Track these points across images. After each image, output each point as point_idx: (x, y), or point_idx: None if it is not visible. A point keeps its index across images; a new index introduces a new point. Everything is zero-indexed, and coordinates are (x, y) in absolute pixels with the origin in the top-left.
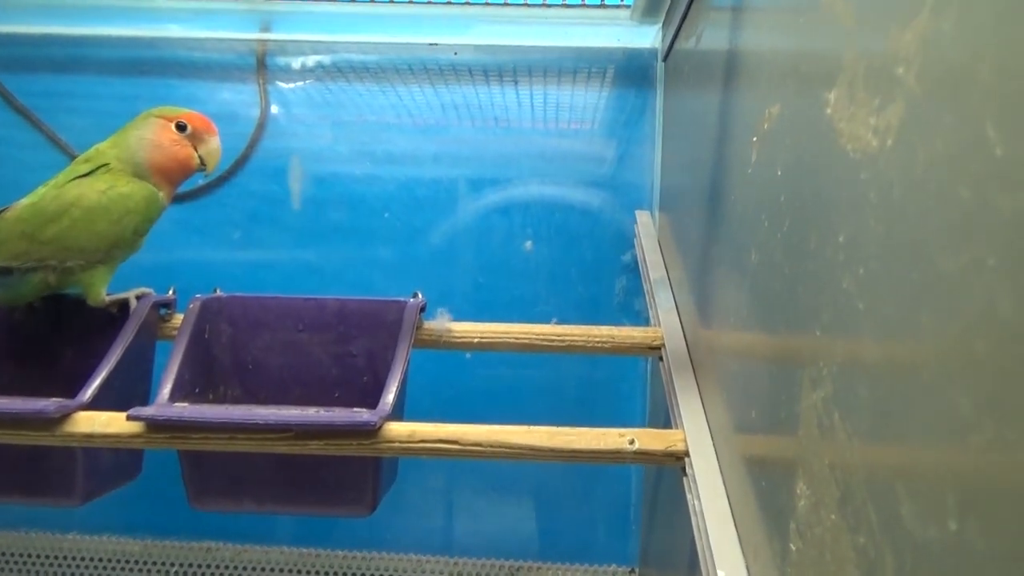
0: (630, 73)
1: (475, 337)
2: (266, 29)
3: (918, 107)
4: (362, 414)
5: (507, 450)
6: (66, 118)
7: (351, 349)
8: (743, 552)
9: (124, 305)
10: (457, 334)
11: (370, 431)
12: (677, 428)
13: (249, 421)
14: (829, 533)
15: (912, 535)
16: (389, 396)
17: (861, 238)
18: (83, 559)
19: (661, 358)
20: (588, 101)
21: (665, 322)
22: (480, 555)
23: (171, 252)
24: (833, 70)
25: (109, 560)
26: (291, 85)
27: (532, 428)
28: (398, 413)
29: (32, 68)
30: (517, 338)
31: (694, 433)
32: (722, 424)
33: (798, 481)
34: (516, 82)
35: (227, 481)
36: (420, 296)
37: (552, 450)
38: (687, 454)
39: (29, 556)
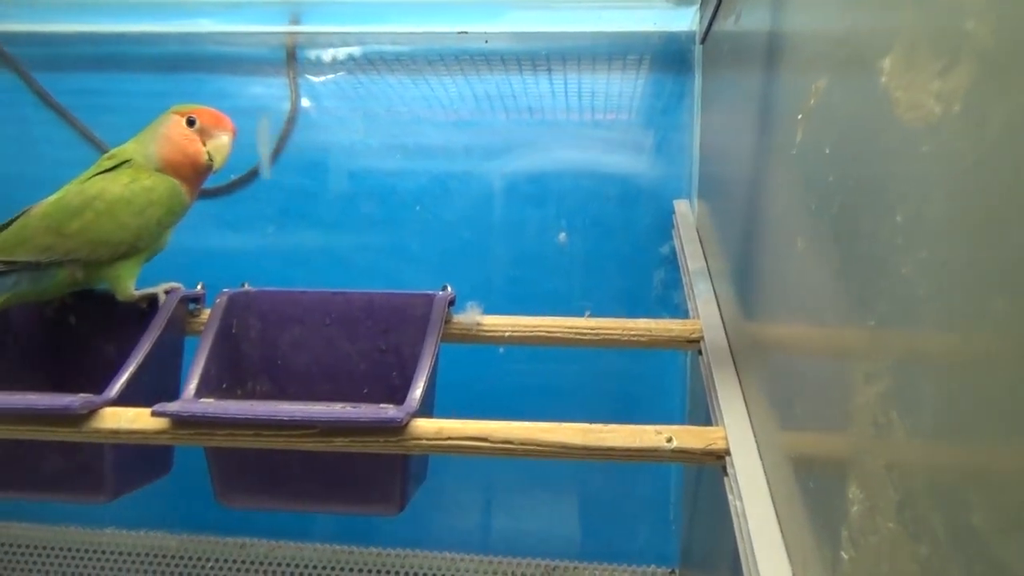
0: (667, 57)
1: (506, 331)
2: (296, 21)
3: (992, 65)
4: (388, 410)
5: (538, 448)
6: (100, 115)
7: (379, 344)
8: (789, 559)
9: (153, 300)
10: (487, 328)
11: (396, 428)
12: (717, 425)
13: (273, 417)
14: (886, 542)
15: (987, 548)
16: (416, 392)
17: (923, 218)
18: (120, 553)
19: (700, 352)
20: (624, 88)
21: (704, 314)
22: (516, 554)
23: (204, 248)
24: (888, 34)
25: (146, 555)
26: (321, 78)
27: (564, 425)
28: (427, 410)
29: (66, 66)
30: (549, 332)
31: (735, 430)
32: (765, 421)
33: (850, 484)
34: (549, 70)
35: (253, 478)
36: (449, 289)
37: (585, 448)
38: (728, 452)
39: (67, 550)
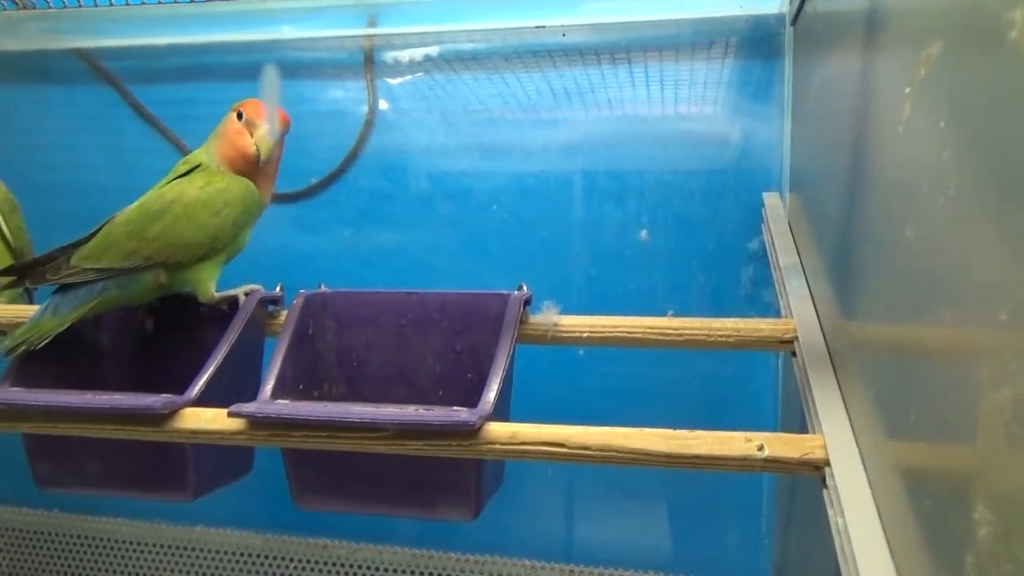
0: (755, 42)
1: (584, 331)
2: (372, 24)
3: None
4: (460, 413)
5: (618, 455)
6: (188, 125)
7: (454, 345)
8: None
9: (234, 302)
10: (565, 328)
11: (469, 431)
12: (815, 433)
13: (345, 419)
14: None
15: None
16: (490, 395)
17: None
18: (208, 551)
19: (794, 353)
20: (709, 76)
21: (798, 313)
22: (598, 563)
23: (283, 251)
24: None
25: (232, 552)
26: (398, 79)
27: (645, 431)
28: (502, 413)
29: (158, 78)
30: (630, 332)
31: (835, 438)
32: (870, 429)
33: (977, 503)
34: (629, 61)
35: (328, 481)
36: (525, 288)
37: (668, 456)
38: (827, 463)
39: (160, 546)
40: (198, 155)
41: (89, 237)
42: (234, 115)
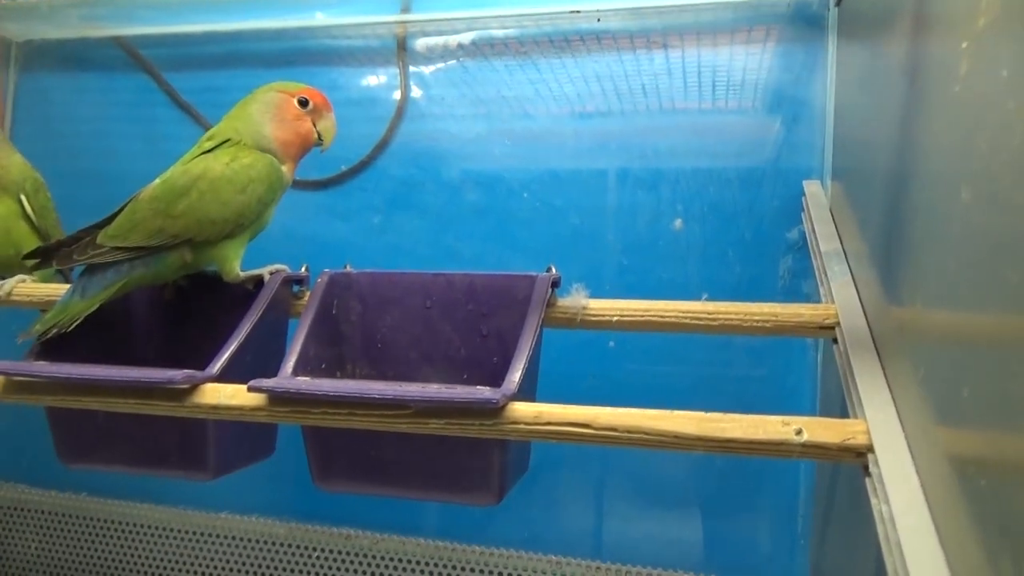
0: (797, 25)
1: (614, 315)
2: (406, 10)
3: None
4: (484, 391)
5: (646, 436)
6: (222, 111)
7: (481, 328)
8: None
9: (260, 281)
10: (594, 312)
11: (492, 410)
12: (857, 418)
13: (365, 395)
14: None
15: None
16: (515, 374)
17: None
18: (232, 537)
19: (835, 340)
20: (748, 61)
21: (840, 298)
22: (626, 561)
23: (313, 237)
24: None
25: (255, 540)
26: (431, 67)
27: (676, 413)
28: (527, 395)
29: (192, 65)
30: (662, 316)
31: (879, 423)
32: (917, 413)
33: None
34: (665, 46)
35: (349, 462)
36: (554, 270)
37: (700, 438)
38: (870, 448)
39: (185, 532)
40: (226, 130)
41: (114, 215)
42: (294, 101)
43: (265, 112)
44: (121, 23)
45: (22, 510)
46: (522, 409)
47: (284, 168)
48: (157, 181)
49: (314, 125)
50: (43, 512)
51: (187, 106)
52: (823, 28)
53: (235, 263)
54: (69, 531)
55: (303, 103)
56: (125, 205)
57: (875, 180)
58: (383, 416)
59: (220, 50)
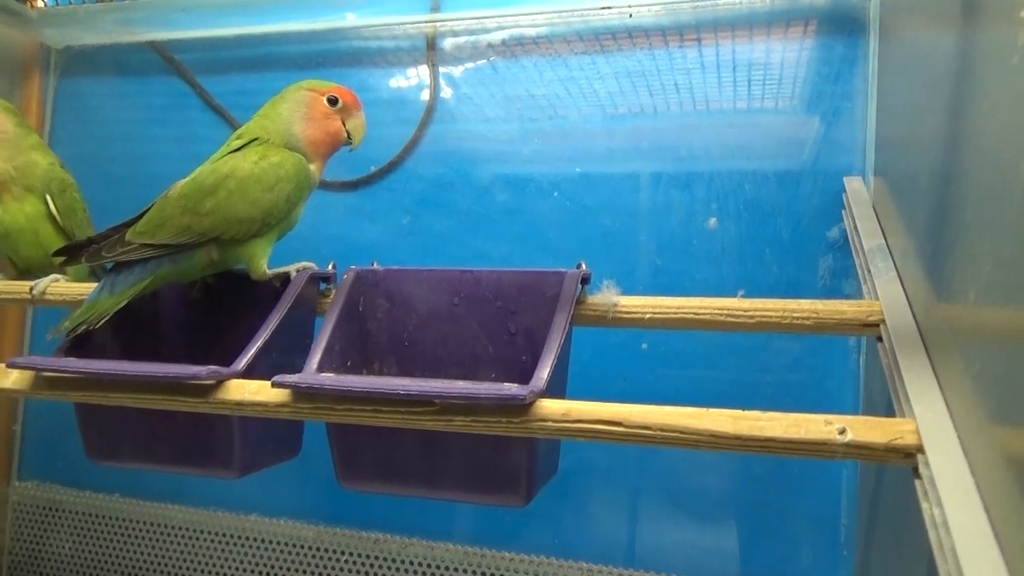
0: (837, 18)
1: (646, 312)
2: (436, 9)
3: None
4: (511, 388)
5: (681, 435)
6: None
7: (509, 326)
8: None
9: (286, 279)
10: (625, 309)
11: (519, 407)
12: (905, 417)
13: (391, 391)
14: None
15: None
16: (543, 371)
17: None
18: (261, 540)
19: (880, 338)
20: (786, 56)
21: (885, 295)
22: (660, 569)
23: (343, 239)
24: None
25: (285, 543)
26: (460, 66)
27: (712, 411)
28: (556, 393)
29: (225, 68)
30: (696, 313)
31: (930, 423)
32: (971, 411)
33: None
34: (699, 41)
35: (374, 460)
36: (583, 266)
37: (737, 438)
38: (920, 449)
39: (214, 533)
40: (255, 129)
41: (143, 213)
42: (323, 99)
43: (295, 111)
44: (156, 28)
45: (56, 510)
46: (550, 406)
47: (312, 167)
48: (186, 179)
49: (343, 124)
50: (76, 512)
51: (220, 108)
52: (863, 20)
53: (262, 261)
54: (101, 531)
55: (333, 101)
56: (154, 203)
57: (923, 173)
58: (408, 413)
59: (252, 53)
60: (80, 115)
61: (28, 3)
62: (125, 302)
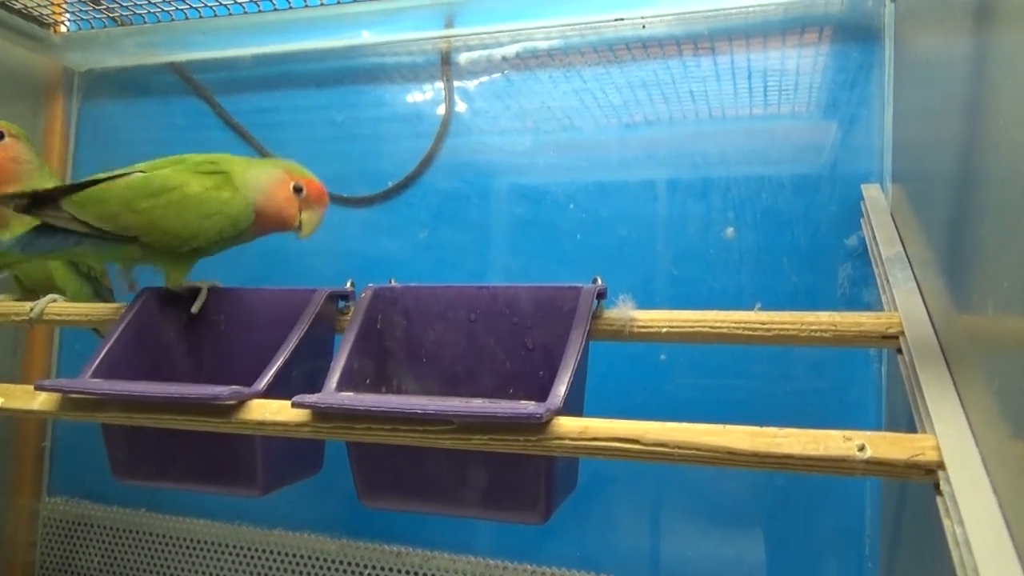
0: (852, 25)
1: (663, 326)
2: (450, 24)
3: None
4: (528, 406)
5: (698, 452)
6: (272, 132)
7: (526, 341)
8: None
9: (195, 292)
10: (641, 323)
11: (536, 425)
12: (925, 433)
13: (408, 410)
14: None
15: None
16: (560, 388)
17: None
18: (284, 553)
19: (900, 350)
20: (801, 64)
21: (904, 306)
22: None
23: (360, 254)
24: None
25: (308, 556)
26: (475, 80)
27: (730, 427)
28: (574, 409)
29: (244, 88)
30: (713, 327)
31: (951, 439)
32: (993, 427)
33: None
34: (713, 50)
35: (393, 478)
36: (599, 281)
37: (755, 455)
38: (941, 465)
39: (238, 547)
40: (233, 166)
41: (88, 183)
42: (291, 183)
43: (265, 181)
44: (176, 49)
45: (85, 525)
46: (567, 424)
47: (252, 228)
48: (142, 169)
49: (299, 212)
50: (104, 527)
51: (238, 127)
52: (879, 26)
53: (179, 275)
54: (129, 546)
55: (298, 190)
56: (112, 176)
57: (941, 181)
58: (426, 432)
59: (269, 72)
60: (103, 136)
61: (51, 28)
62: (29, 261)
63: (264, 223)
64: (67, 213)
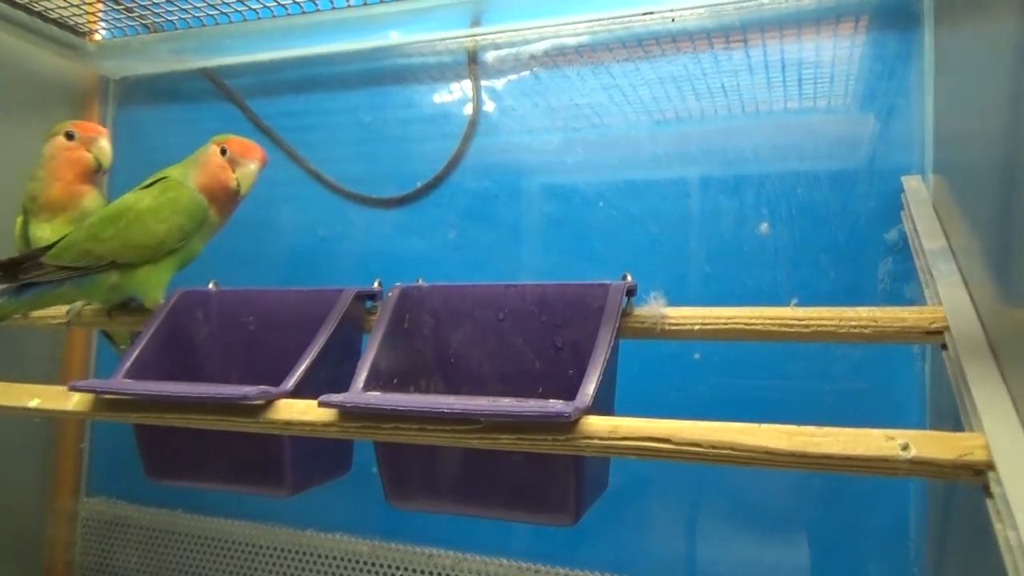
0: (889, 13)
1: (695, 324)
2: (476, 23)
3: None
4: (556, 405)
5: (732, 452)
6: (302, 135)
7: (555, 340)
8: None
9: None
10: (673, 321)
11: (565, 425)
12: (974, 432)
13: (435, 410)
14: None
15: None
16: (589, 387)
17: None
18: (316, 555)
19: (944, 346)
20: (836, 54)
21: (948, 300)
22: None
23: (389, 255)
24: None
25: (339, 557)
26: (502, 79)
27: (766, 426)
28: (603, 409)
29: (273, 91)
30: (748, 324)
31: (1001, 437)
32: None
33: None
34: (745, 43)
35: (421, 478)
36: (629, 278)
37: (793, 455)
38: (991, 466)
39: (272, 548)
40: (171, 171)
41: (62, 239)
42: (217, 149)
43: (198, 158)
44: (207, 55)
45: (123, 526)
46: (597, 423)
47: (211, 209)
48: (100, 212)
49: (233, 172)
50: (141, 527)
51: (268, 130)
52: (918, 14)
53: (158, 293)
54: (165, 546)
55: (223, 152)
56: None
57: (987, 170)
58: (453, 431)
59: (299, 75)
60: (138, 142)
61: (86, 37)
62: (24, 311)
63: (217, 200)
64: (51, 266)
